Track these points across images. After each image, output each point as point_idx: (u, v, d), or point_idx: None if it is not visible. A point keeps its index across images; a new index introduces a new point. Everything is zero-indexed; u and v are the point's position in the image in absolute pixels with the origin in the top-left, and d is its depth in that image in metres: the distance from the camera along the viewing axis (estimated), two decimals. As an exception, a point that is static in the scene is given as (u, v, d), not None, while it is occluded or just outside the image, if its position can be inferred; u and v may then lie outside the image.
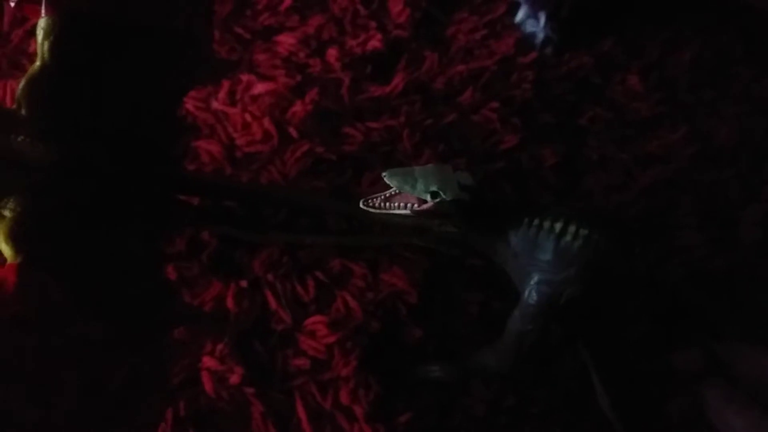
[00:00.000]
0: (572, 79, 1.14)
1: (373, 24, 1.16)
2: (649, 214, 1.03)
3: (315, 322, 0.93)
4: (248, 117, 1.06)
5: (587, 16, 1.16)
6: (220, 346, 0.91)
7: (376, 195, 0.85)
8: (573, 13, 1.13)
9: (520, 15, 1.15)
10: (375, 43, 1.13)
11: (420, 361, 0.92)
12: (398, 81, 1.10)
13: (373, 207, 0.85)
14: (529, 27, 1.16)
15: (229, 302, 0.94)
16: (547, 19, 1.13)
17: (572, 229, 0.81)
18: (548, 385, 0.89)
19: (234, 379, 0.89)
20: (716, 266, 0.99)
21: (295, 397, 0.89)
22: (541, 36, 1.16)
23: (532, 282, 0.83)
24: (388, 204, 0.85)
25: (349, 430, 0.87)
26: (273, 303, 0.94)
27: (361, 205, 0.86)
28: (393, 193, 0.84)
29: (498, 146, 1.07)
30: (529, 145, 1.07)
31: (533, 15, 1.14)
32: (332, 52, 1.13)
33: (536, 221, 0.82)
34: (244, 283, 0.95)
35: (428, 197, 0.82)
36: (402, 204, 0.84)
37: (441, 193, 0.81)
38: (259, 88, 1.09)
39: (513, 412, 0.89)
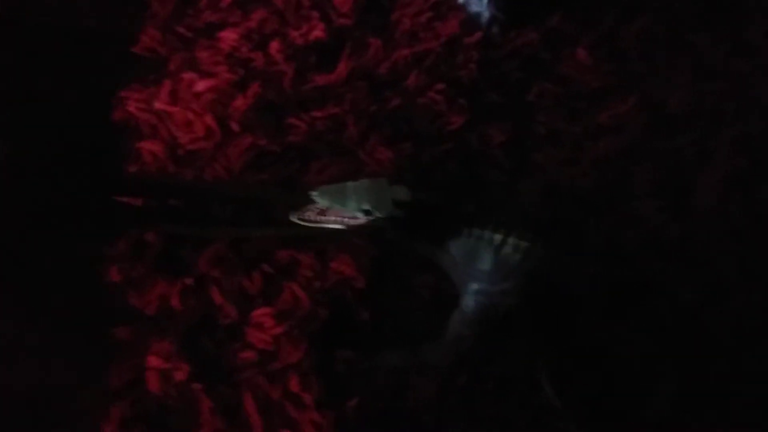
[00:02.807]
0: (519, 56, 1.19)
1: (316, 14, 1.22)
2: (601, 186, 1.08)
3: (262, 314, 0.98)
4: (190, 115, 1.12)
5: (534, -8, 1.22)
6: (165, 345, 0.96)
7: (309, 208, 0.91)
8: (518, -12, 1.19)
9: (464, -6, 1.21)
10: (318, 33, 1.19)
11: (370, 347, 0.96)
12: (342, 69, 1.16)
13: (307, 220, 0.91)
14: (474, 6, 1.22)
15: (175, 300, 0.99)
16: (491, -4, 1.19)
17: (512, 241, 0.86)
18: (502, 360, 0.94)
19: (180, 376, 0.94)
20: (671, 234, 1.03)
21: (243, 389, 0.94)
22: (486, 15, 1.21)
23: (470, 289, 0.88)
24: (321, 218, 0.90)
25: (298, 419, 0.92)
26: (219, 298, 0.99)
27: (293, 219, 0.91)
28: (327, 207, 0.90)
29: (445, 128, 1.12)
30: (477, 125, 1.12)
31: (476, -7, 1.20)
32: (275, 45, 1.18)
33: (476, 231, 0.88)
34: (189, 281, 1.00)
35: (361, 215, 0.88)
36: (335, 218, 0.89)
37: (374, 210, 0.87)
38: (201, 85, 1.14)
39: (466, 390, 0.94)
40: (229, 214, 1.05)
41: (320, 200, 0.87)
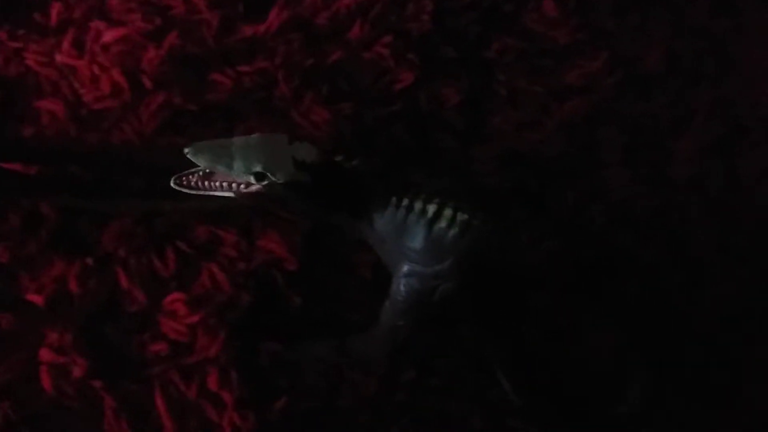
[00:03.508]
0: (478, 7, 1.09)
1: (248, -44, 1.10)
2: (567, 153, 0.99)
3: (174, 300, 0.88)
4: (96, 69, 1.00)
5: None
6: (61, 335, 0.85)
7: (191, 171, 0.76)
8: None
9: (415, -65, 1.10)
10: (248, -23, 1.08)
11: (301, 338, 0.87)
12: (274, 18, 1.05)
13: (187, 186, 0.76)
14: (428, -49, 1.11)
15: (72, 283, 0.88)
16: (444, -63, 1.08)
17: (448, 213, 0.74)
18: (449, 352, 0.85)
19: (78, 371, 0.83)
20: (645, 207, 0.95)
21: (153, 387, 0.84)
22: (442, -40, 1.11)
23: (400, 273, 0.77)
24: (206, 183, 0.75)
25: (216, 420, 0.82)
26: (125, 281, 0.88)
27: (172, 184, 0.76)
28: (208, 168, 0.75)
29: (392, 86, 1.02)
30: (428, 84, 1.03)
31: (428, -66, 1.09)
32: (197, -10, 1.07)
33: (405, 201, 0.75)
34: (89, 261, 0.89)
35: (252, 179, 0.72)
36: (224, 184, 0.74)
37: (268, 174, 0.72)
38: (110, 35, 1.02)
39: (411, 386, 0.85)
40: (138, 184, 0.93)
41: (196, 159, 0.73)
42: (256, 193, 0.74)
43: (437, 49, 1.05)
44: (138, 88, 0.99)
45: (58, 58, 1.01)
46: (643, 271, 0.91)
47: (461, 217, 0.73)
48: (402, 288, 0.76)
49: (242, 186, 0.75)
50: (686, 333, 0.88)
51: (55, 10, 1.03)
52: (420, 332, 0.78)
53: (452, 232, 0.73)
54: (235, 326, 0.86)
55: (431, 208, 0.74)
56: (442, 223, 0.74)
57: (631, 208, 0.95)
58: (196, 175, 0.76)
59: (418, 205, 0.74)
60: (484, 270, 0.75)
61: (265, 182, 0.73)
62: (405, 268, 0.75)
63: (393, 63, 1.03)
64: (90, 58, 1.01)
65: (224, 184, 0.75)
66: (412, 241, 0.74)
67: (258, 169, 0.72)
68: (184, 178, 0.77)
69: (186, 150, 0.73)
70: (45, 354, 0.84)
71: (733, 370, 0.87)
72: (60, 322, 0.86)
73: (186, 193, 0.77)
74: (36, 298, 0.87)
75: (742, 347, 0.88)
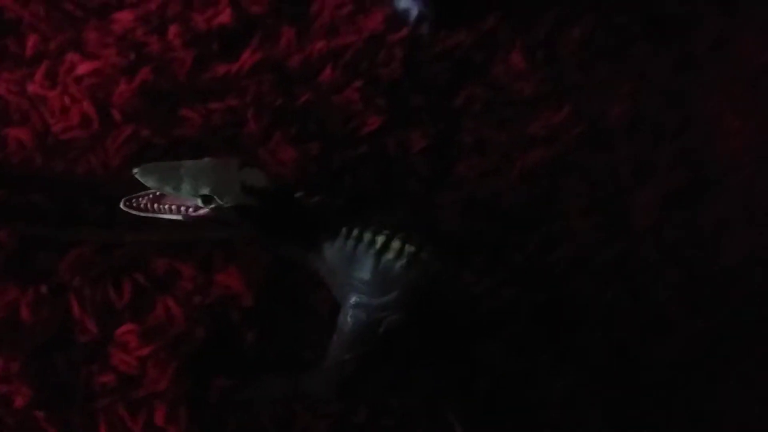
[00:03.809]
0: (448, 58, 1.09)
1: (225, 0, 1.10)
2: (531, 201, 0.97)
3: (126, 331, 0.84)
4: (67, 100, 0.98)
5: (466, -10, 1.13)
6: (7, 363, 0.81)
7: (142, 193, 0.74)
8: (445, -18, 1.09)
9: (390, -14, 1.11)
10: (223, 18, 1.07)
11: (252, 375, 0.83)
12: (247, 58, 1.04)
13: (137, 209, 0.74)
14: (403, 2, 1.12)
15: (24, 311, 0.84)
16: (419, -12, 1.09)
17: (396, 244, 0.72)
18: (404, 391, 0.81)
19: (20, 401, 0.79)
20: (606, 255, 0.93)
21: (98, 420, 0.79)
22: (414, 12, 1.11)
23: (348, 304, 0.74)
24: (156, 206, 0.73)
25: (160, 458, 0.78)
26: (78, 311, 0.85)
27: (121, 206, 0.75)
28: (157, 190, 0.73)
29: (360, 129, 1.01)
30: (396, 129, 1.01)
31: (403, -15, 1.10)
32: (173, 29, 1.06)
33: (355, 232, 0.73)
34: (43, 289, 0.85)
35: (199, 202, 0.71)
36: (173, 207, 0.73)
37: (215, 197, 0.70)
38: (84, 67, 1.01)
39: (363, 428, 0.80)
40: (100, 214, 0.90)
41: (145, 180, 0.71)
42: (204, 217, 0.72)
43: (406, 95, 1.05)
44: (107, 120, 0.97)
45: (30, 87, 1.00)
46: (602, 318, 0.89)
47: (409, 248, 0.71)
48: (349, 319, 0.73)
49: (191, 209, 0.72)
50: (644, 381, 0.85)
51: (31, 41, 1.02)
52: (367, 368, 0.75)
53: (399, 263, 0.71)
54: (187, 360, 0.82)
55: (380, 239, 0.72)
56: (390, 255, 0.71)
57: (591, 255, 0.93)
58: (146, 197, 0.74)
59: (367, 236, 0.72)
60: (430, 305, 0.73)
61: (213, 205, 0.71)
62: (352, 299, 0.73)
63: (362, 107, 1.02)
64: (62, 89, 0.99)
65: (173, 207, 0.73)
66: (361, 272, 0.72)
67: (205, 191, 0.70)
68: (134, 200, 0.74)
69: (135, 171, 0.71)
70: (-12, 382, 0.80)
71: (691, 419, 0.84)
72: (7, 350, 0.82)
73: (136, 215, 0.74)
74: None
75: (700, 396, 0.85)
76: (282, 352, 0.85)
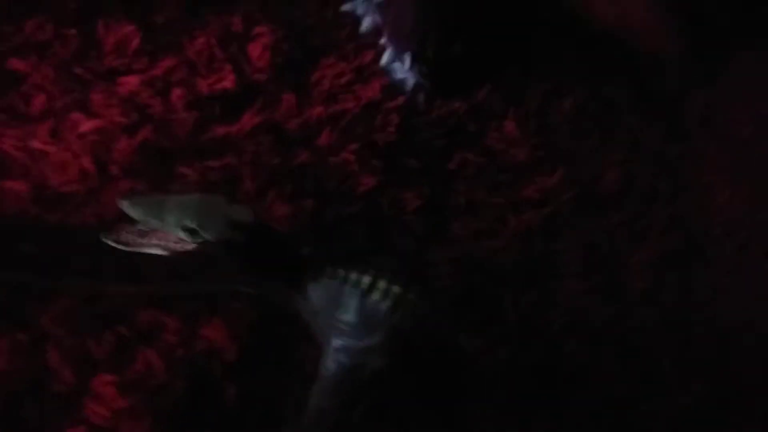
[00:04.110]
0: (443, 125, 1.08)
1: (229, 66, 1.11)
2: (525, 262, 0.94)
3: (105, 382, 0.79)
4: (68, 156, 0.97)
5: (460, 64, 1.13)
6: (-24, 412, 0.75)
7: (127, 229, 0.72)
8: (440, 54, 1.10)
9: (386, 58, 1.12)
10: (227, 84, 1.07)
11: (232, 430, 0.77)
12: (247, 120, 1.04)
13: (120, 243, 0.71)
14: (399, 73, 1.12)
15: (1, 359, 0.79)
16: (413, 60, 1.09)
17: (382, 285, 0.68)
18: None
19: (-16, 452, 0.73)
20: (601, 318, 0.89)
21: (63, 476, 0.73)
22: (411, 82, 1.11)
23: (330, 348, 0.70)
24: (140, 240, 0.71)
25: None
26: (56, 360, 0.80)
27: (104, 239, 0.72)
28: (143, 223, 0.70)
29: (355, 189, 0.99)
30: (390, 189, 0.99)
31: (398, 57, 1.10)
32: (177, 92, 1.06)
33: (341, 272, 0.69)
34: (22, 336, 0.81)
35: (184, 235, 0.68)
36: (159, 242, 0.70)
37: (201, 230, 0.67)
38: (87, 125, 1.00)
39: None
40: (87, 265, 0.87)
41: (130, 210, 0.69)
42: (189, 252, 0.69)
43: (401, 158, 1.03)
44: (105, 175, 0.95)
45: (33, 143, 0.99)
46: (599, 381, 0.83)
47: (396, 290, 0.67)
48: (331, 364, 0.68)
49: (177, 245, 0.69)
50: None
51: (37, 101, 1.02)
52: (348, 420, 0.69)
53: (385, 304, 0.67)
54: (164, 414, 0.77)
55: (366, 280, 0.68)
56: (376, 295, 0.67)
57: (586, 317, 0.88)
58: (130, 231, 0.72)
59: (353, 276, 0.69)
60: (417, 350, 0.67)
61: (198, 239, 0.68)
62: (335, 342, 0.68)
63: (357, 168, 1.01)
64: (64, 146, 0.99)
65: (158, 242, 0.70)
66: (345, 314, 0.68)
67: (190, 225, 0.67)
68: (117, 233, 0.71)
69: (121, 201, 0.69)
70: (-46, 432, 0.74)
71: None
72: (-21, 399, 0.76)
73: (121, 249, 0.71)
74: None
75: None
76: (264, 408, 0.80)
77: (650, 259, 0.94)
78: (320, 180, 0.99)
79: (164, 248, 0.70)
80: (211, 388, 0.80)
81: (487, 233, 0.96)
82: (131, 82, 1.07)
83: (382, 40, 1.13)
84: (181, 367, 0.80)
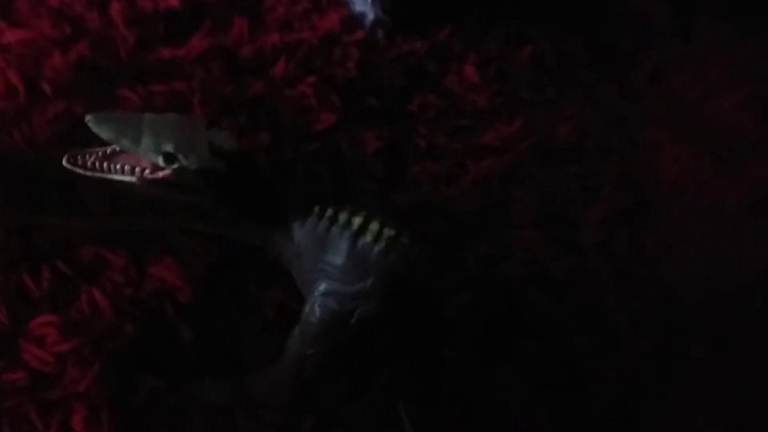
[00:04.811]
0: (403, 64, 1.04)
1: (175, -15, 1.01)
2: (483, 210, 0.93)
3: (45, 323, 0.72)
4: (-10, 68, 0.87)
5: (422, 1, 1.09)
6: None
7: (90, 150, 0.64)
8: (403, -9, 1.05)
9: (347, -13, 1.06)
10: (172, 2, 0.98)
11: (187, 377, 0.73)
12: (196, 43, 0.96)
13: (83, 167, 0.63)
14: (359, 5, 1.07)
15: None
16: (376, -6, 1.04)
17: (374, 227, 0.64)
18: (354, 398, 0.73)
19: None
20: (557, 267, 0.90)
21: (1, 423, 0.67)
22: (371, 16, 1.06)
23: (317, 292, 0.65)
24: (105, 165, 0.63)
25: (76, 468, 0.66)
26: (-13, 298, 0.72)
27: (64, 162, 0.64)
28: (117, 149, 0.63)
29: (313, 125, 0.94)
30: (350, 128, 0.95)
31: (360, -12, 1.05)
32: (117, 6, 0.96)
33: (329, 212, 0.65)
34: (-55, 269, 0.73)
35: (160, 160, 0.61)
36: (126, 167, 0.62)
37: (179, 156, 0.61)
38: (12, 35, 0.89)
39: (309, 437, 0.72)
40: (21, 194, 0.79)
41: (98, 129, 0.61)
42: (162, 180, 0.62)
43: (360, 96, 0.99)
44: (35, 92, 0.86)
45: (-53, 52, 0.87)
46: (553, 331, 0.85)
47: (388, 232, 0.64)
48: (317, 308, 0.64)
49: (147, 171, 0.62)
50: (593, 395, 0.81)
51: (-50, 3, 0.90)
52: (328, 368, 0.67)
53: (377, 247, 0.64)
54: (113, 359, 0.71)
55: (357, 221, 0.64)
56: (367, 237, 0.64)
57: (542, 268, 0.89)
58: (94, 154, 0.64)
59: (342, 217, 0.64)
60: (406, 295, 0.65)
61: (175, 165, 0.61)
62: (322, 286, 0.64)
63: (315, 103, 0.96)
64: (-15, 57, 0.87)
65: (126, 167, 0.63)
66: (334, 256, 0.64)
67: (169, 149, 0.60)
68: (79, 157, 0.64)
69: (87, 117, 0.61)
70: None
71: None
72: None
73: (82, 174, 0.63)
74: None
75: (647, 411, 0.82)
76: (221, 353, 0.76)
77: (603, 214, 0.96)
78: (276, 113, 0.94)
79: (133, 174, 0.63)
80: (164, 331, 0.74)
81: (445, 179, 0.95)
82: (63, -9, 0.96)
83: (342, -31, 1.07)
84: (130, 308, 0.74)
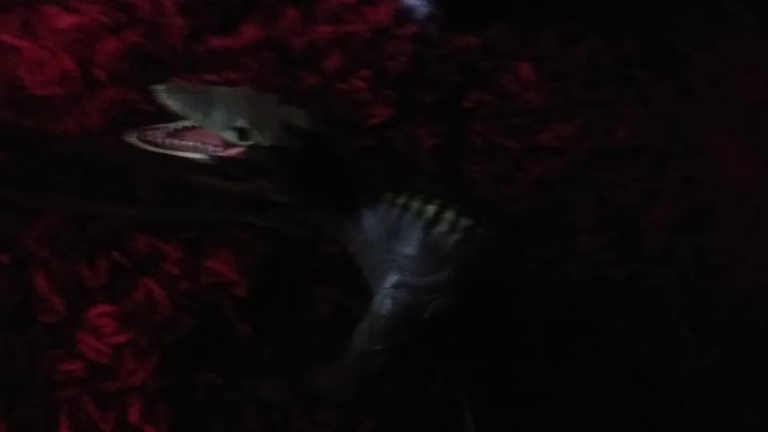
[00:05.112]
0: (456, 60, 1.03)
1: (224, -27, 1.00)
2: (541, 211, 0.91)
3: (102, 313, 0.71)
4: (44, 53, 0.86)
5: (476, -2, 1.08)
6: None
7: (158, 126, 0.61)
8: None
9: (400, -20, 1.04)
10: (224, -10, 0.98)
11: (245, 373, 0.72)
12: (247, 33, 0.95)
13: (150, 142, 0.61)
14: (411, -1, 1.06)
15: (-23, 282, 0.70)
16: (430, -15, 1.03)
17: (449, 216, 0.61)
18: (415, 402, 0.72)
19: (-36, 387, 0.65)
20: (618, 273, 0.88)
21: (59, 413, 0.66)
22: (423, 10, 1.05)
23: (387, 284, 0.62)
24: (173, 141, 0.60)
25: (133, 462, 0.65)
26: (44, 286, 0.71)
27: (133, 139, 0.62)
28: (185, 125, 0.60)
29: (367, 120, 0.93)
30: (404, 124, 0.94)
31: (414, -20, 1.03)
32: (169, -6, 0.95)
33: (402, 199, 0.62)
34: (5, 258, 0.72)
35: (232, 136, 0.58)
36: (196, 144, 0.60)
37: (254, 132, 0.58)
38: (65, 20, 0.88)
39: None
40: (76, 182, 0.78)
41: (168, 101, 0.58)
42: (234, 159, 0.59)
43: (414, 91, 0.98)
44: (89, 78, 0.85)
45: (2, 37, 0.87)
46: (616, 340, 0.82)
47: (465, 222, 0.60)
48: (388, 302, 0.61)
49: (218, 148, 0.59)
50: (660, 406, 0.79)
51: (3, -12, 0.89)
52: (396, 365, 0.65)
53: (453, 237, 0.60)
54: (171, 352, 0.70)
55: (431, 209, 0.61)
56: (443, 227, 0.60)
57: (603, 273, 0.87)
58: (161, 130, 0.61)
59: (415, 205, 0.61)
60: (483, 290, 0.63)
61: (249, 142, 0.58)
62: (394, 278, 0.61)
63: (369, 97, 0.94)
64: (38, 42, 0.87)
65: (195, 144, 0.60)
66: (406, 246, 0.61)
67: (242, 124, 0.57)
68: (148, 133, 0.61)
69: (158, 87, 0.58)
70: (-75, 363, 0.65)
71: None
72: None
73: (147, 150, 0.61)
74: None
75: (711, 424, 0.80)
76: (276, 350, 0.74)
77: (664, 220, 0.94)
78: (329, 106, 0.92)
79: (202, 151, 0.60)
80: (222, 326, 0.73)
81: (503, 179, 0.93)
82: (115, -22, 0.95)
83: (396, -39, 1.05)
84: (187, 301, 0.73)
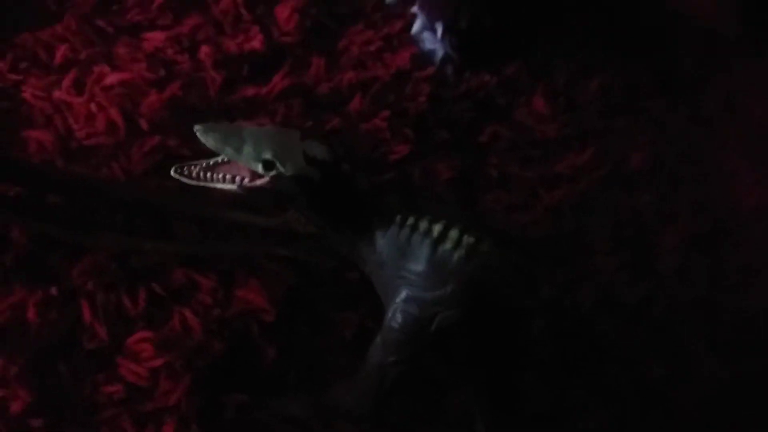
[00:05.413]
0: (472, 98, 1.07)
1: (256, 28, 1.08)
2: (556, 236, 0.94)
3: (140, 339, 0.76)
4: (94, 107, 0.94)
5: (490, 38, 1.12)
6: (5, 365, 0.72)
7: (196, 162, 0.70)
8: (472, 25, 1.08)
9: (417, 26, 1.10)
10: (255, 44, 1.05)
11: (273, 394, 0.75)
12: (277, 82, 1.01)
13: (188, 176, 0.69)
14: (428, 43, 1.11)
15: (31, 312, 0.76)
16: (445, 30, 1.08)
17: (454, 234, 0.66)
18: (432, 419, 0.74)
19: (16, 406, 0.70)
20: (633, 293, 0.89)
21: (101, 432, 0.71)
22: (440, 53, 1.10)
23: (398, 299, 0.67)
24: (209, 175, 0.68)
25: (168, 478, 0.70)
26: (89, 315, 0.77)
27: (172, 173, 0.70)
28: (220, 161, 0.68)
29: (387, 156, 0.98)
30: (423, 159, 0.98)
31: (430, 26, 1.09)
32: (205, 50, 1.03)
33: (410, 220, 0.68)
34: (54, 291, 0.78)
35: (259, 168, 0.66)
36: (228, 176, 0.68)
37: (277, 163, 0.66)
38: (113, 78, 0.97)
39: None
40: (119, 221, 0.84)
41: (205, 138, 0.66)
42: (261, 188, 0.67)
43: (432, 129, 1.02)
44: (133, 128, 0.92)
45: (57, 94, 0.95)
46: (630, 359, 0.83)
47: (468, 240, 0.65)
48: (398, 315, 0.66)
49: (246, 179, 0.67)
50: (670, 423, 0.79)
51: (60, 51, 0.99)
52: (410, 377, 0.68)
53: (457, 254, 0.65)
54: (202, 375, 0.75)
55: (437, 228, 0.66)
56: (447, 245, 0.66)
57: (618, 295, 0.89)
58: (198, 165, 0.69)
59: (423, 225, 0.67)
60: (487, 304, 0.66)
61: (273, 173, 0.65)
62: (403, 293, 0.66)
63: (389, 135, 0.99)
64: (89, 97, 0.95)
65: (228, 176, 0.68)
66: (415, 264, 0.66)
67: (268, 156, 0.65)
68: (185, 168, 0.69)
69: (196, 127, 0.67)
70: (-15, 385, 0.71)
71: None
72: (8, 352, 0.74)
73: (186, 184, 0.70)
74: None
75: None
76: (301, 371, 0.78)
77: (679, 241, 0.95)
78: (352, 146, 0.98)
79: (234, 183, 0.68)
80: (249, 349, 0.78)
81: (518, 208, 0.96)
82: (156, 38, 1.04)
83: (413, 9, 1.11)
84: (218, 327, 0.78)
